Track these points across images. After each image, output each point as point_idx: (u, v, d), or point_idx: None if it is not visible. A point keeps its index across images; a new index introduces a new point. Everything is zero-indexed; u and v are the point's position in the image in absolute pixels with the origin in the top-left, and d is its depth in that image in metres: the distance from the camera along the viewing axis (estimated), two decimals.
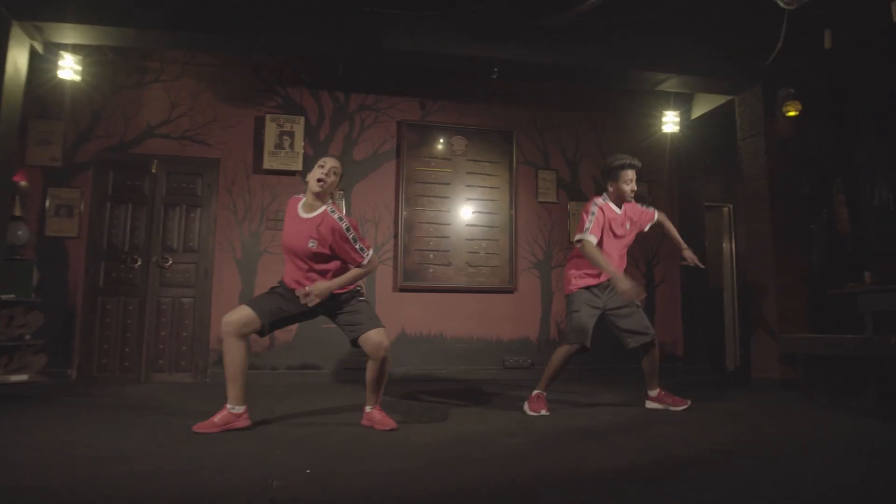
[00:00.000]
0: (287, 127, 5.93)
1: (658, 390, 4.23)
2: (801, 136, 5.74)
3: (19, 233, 5.32)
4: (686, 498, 2.05)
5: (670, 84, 5.81)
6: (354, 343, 3.32)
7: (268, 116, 5.92)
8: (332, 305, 3.36)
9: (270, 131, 5.89)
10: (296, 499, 1.94)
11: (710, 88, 6.07)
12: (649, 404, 4.21)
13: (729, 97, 6.11)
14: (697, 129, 6.83)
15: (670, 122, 6.72)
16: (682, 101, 6.73)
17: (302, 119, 5.97)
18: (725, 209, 7.45)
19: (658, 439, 3.12)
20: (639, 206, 4.34)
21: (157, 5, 4.85)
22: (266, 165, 5.86)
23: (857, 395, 4.46)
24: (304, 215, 3.36)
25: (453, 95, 6.41)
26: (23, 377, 5.20)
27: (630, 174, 4.06)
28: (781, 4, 4.13)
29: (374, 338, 3.22)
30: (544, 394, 4.10)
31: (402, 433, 3.18)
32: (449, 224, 6.24)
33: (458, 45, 5.17)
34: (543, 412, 3.93)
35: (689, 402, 4.09)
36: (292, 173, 5.93)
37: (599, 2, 4.48)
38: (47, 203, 5.56)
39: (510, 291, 6.32)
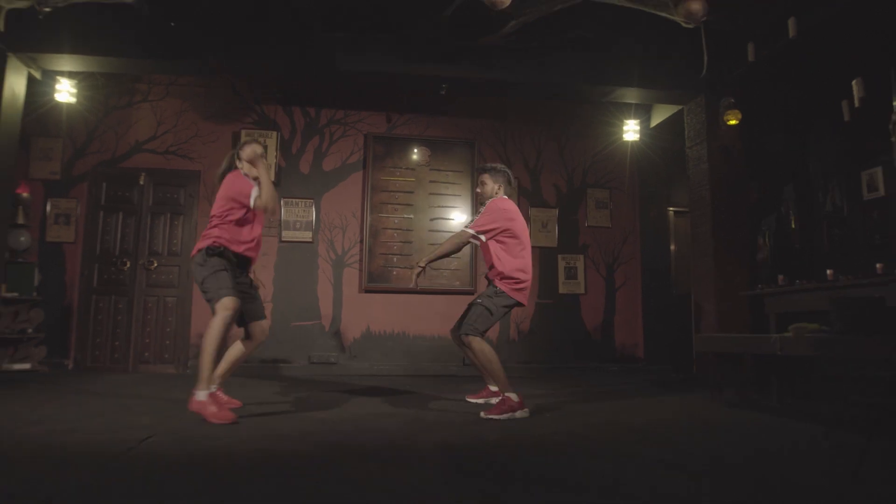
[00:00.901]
0: (261, 141, 6.45)
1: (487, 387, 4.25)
2: (749, 144, 5.96)
3: (22, 238, 6.02)
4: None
5: (619, 95, 6.11)
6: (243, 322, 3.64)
7: (243, 132, 6.47)
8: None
9: None
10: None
11: (657, 99, 6.35)
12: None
13: (679, 107, 6.36)
14: (658, 137, 7.08)
15: (631, 130, 7.00)
16: (642, 111, 6.99)
17: (275, 133, 6.51)
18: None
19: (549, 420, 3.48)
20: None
21: (134, 37, 5.44)
22: None
23: (766, 393, 4.70)
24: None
25: (419, 109, 6.84)
26: (25, 366, 5.89)
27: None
28: (682, 23, 4.41)
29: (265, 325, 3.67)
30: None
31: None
32: (412, 230, 6.68)
33: (405, 65, 5.61)
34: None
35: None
36: None
37: (520, 25, 4.82)
38: (48, 212, 6.23)
39: (471, 293, 6.69)
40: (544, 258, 6.93)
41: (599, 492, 2.03)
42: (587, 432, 3.16)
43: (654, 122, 7.02)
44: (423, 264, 4.11)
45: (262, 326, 3.76)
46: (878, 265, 4.19)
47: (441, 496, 1.95)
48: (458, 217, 6.78)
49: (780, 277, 4.89)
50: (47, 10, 4.35)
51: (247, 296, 3.66)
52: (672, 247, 7.44)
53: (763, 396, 4.61)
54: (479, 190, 4.31)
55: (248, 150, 3.77)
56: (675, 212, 7.49)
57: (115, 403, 3.89)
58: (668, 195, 7.37)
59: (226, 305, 3.35)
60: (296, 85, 6.53)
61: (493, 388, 4.12)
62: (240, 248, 3.63)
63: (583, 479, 2.21)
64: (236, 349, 3.72)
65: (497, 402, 3.67)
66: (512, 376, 4.81)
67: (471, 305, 4.02)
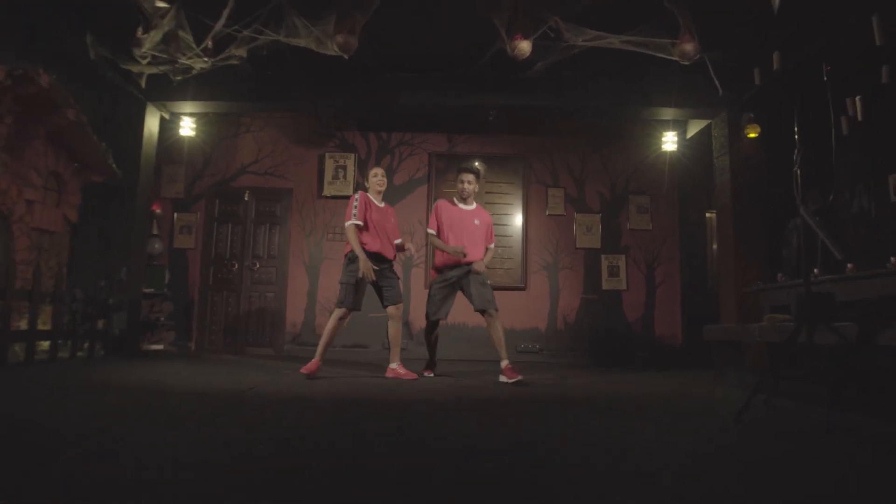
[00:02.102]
0: (341, 162, 7.70)
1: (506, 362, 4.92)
2: (772, 153, 6.57)
3: (156, 246, 7.49)
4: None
5: (651, 113, 6.91)
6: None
7: (327, 154, 7.72)
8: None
9: (329, 166, 7.69)
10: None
11: (687, 115, 7.07)
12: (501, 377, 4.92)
13: (708, 121, 7.04)
14: (694, 147, 7.75)
15: (669, 141, 7.72)
16: (679, 124, 7.69)
17: (353, 155, 7.72)
18: None
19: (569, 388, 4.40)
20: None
21: (241, 85, 6.77)
22: (325, 192, 7.65)
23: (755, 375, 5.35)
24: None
25: (475, 130, 7.86)
26: (160, 346, 7.33)
27: (464, 175, 5.16)
28: (680, 61, 5.20)
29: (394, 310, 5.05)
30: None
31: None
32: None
33: (457, 97, 6.66)
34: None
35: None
36: (346, 197, 7.66)
37: (547, 66, 5.73)
38: (174, 224, 7.70)
39: (522, 289, 7.63)
40: (588, 258, 7.75)
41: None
42: (593, 398, 4.05)
43: (690, 133, 7.69)
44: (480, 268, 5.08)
45: (393, 310, 4.97)
46: (892, 259, 4.59)
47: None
48: (511, 223, 7.73)
49: (779, 275, 5.52)
50: (179, 78, 5.65)
51: (385, 285, 4.98)
52: (714, 246, 8.05)
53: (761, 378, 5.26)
54: (464, 187, 5.12)
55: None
56: (715, 215, 8.10)
57: (231, 370, 5.12)
58: (707, 200, 7.99)
59: (337, 315, 4.89)
60: (370, 114, 7.71)
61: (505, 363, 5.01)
62: (372, 248, 4.91)
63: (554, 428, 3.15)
64: (391, 329, 5.06)
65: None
66: (558, 362, 5.67)
67: (484, 285, 5.00)
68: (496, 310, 5.00)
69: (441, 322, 5.12)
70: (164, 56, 5.19)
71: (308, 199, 7.77)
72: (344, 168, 7.72)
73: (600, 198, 7.91)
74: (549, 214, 7.82)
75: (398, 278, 5.18)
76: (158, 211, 7.61)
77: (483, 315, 5.02)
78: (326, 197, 7.72)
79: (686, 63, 5.28)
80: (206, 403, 3.16)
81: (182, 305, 7.58)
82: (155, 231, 7.52)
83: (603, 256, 7.78)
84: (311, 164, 7.82)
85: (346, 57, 5.28)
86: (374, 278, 4.84)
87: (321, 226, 7.71)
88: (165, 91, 6.66)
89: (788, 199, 7.18)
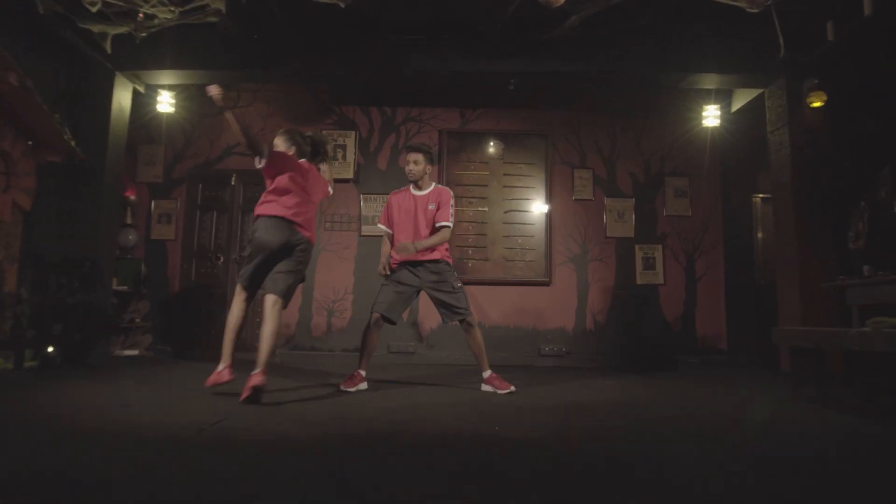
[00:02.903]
0: (340, 141, 6.79)
1: (489, 372, 4.27)
2: (838, 127, 5.65)
3: (130, 237, 6.60)
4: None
5: (693, 81, 5.97)
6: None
7: (324, 132, 6.80)
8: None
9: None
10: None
11: (735, 83, 6.14)
12: (483, 387, 4.26)
13: (760, 90, 6.11)
14: (740, 122, 6.82)
15: (711, 115, 6.80)
16: (722, 95, 6.76)
17: (353, 133, 6.80)
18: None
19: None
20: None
21: (224, 51, 5.85)
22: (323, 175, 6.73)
23: (851, 389, 4.46)
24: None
25: (491, 103, 6.94)
26: (134, 352, 6.47)
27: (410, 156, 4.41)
28: (747, 9, 4.28)
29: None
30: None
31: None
32: (486, 222, 6.79)
33: (474, 62, 5.74)
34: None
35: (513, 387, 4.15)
36: (346, 181, 6.77)
37: (581, 19, 4.83)
38: (152, 212, 6.80)
39: (545, 284, 6.73)
40: (621, 248, 6.85)
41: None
42: (647, 425, 3.16)
43: (736, 106, 6.77)
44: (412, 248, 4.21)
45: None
46: None
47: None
48: (532, 210, 6.83)
49: (866, 268, 4.61)
50: (143, 34, 4.76)
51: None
52: (759, 234, 7.13)
53: (848, 394, 4.38)
54: (410, 168, 4.38)
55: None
56: (761, 198, 7.18)
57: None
58: (753, 181, 7.07)
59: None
60: (373, 86, 6.80)
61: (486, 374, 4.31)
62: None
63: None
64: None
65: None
66: (587, 367, 4.79)
67: (447, 292, 4.23)
68: (470, 314, 4.26)
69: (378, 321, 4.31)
70: (120, 2, 4.28)
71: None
72: (343, 148, 6.82)
73: (633, 180, 6.99)
74: (575, 199, 6.91)
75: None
76: (133, 197, 6.71)
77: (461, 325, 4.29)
78: None
79: (754, 10, 4.35)
80: (142, 449, 2.26)
81: (160, 304, 6.70)
82: (129, 220, 6.63)
83: (637, 246, 6.87)
84: None
85: (342, 5, 4.38)
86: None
87: (318, 212, 6.79)
88: (138, 59, 5.78)
89: (854, 179, 6.30)
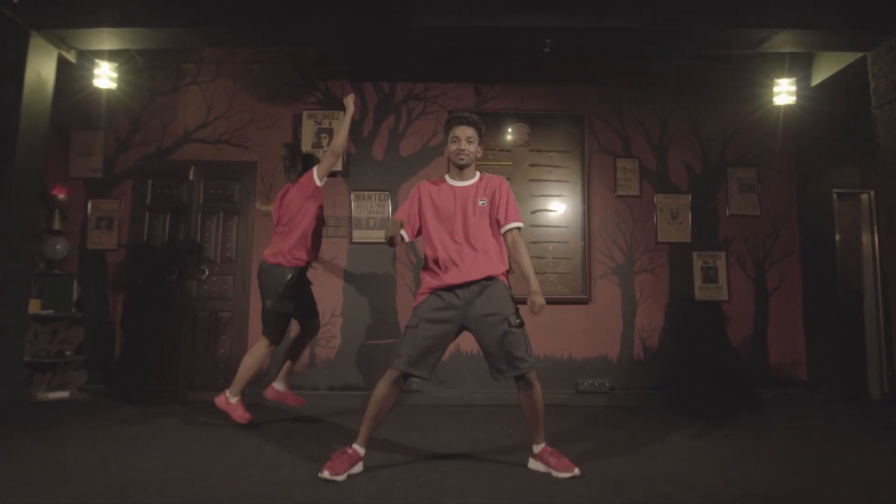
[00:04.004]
0: (325, 124, 5.42)
1: (543, 445, 3.09)
2: None
3: (58, 247, 5.21)
4: None
5: (775, 43, 4.64)
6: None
7: (305, 113, 5.43)
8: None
9: (307, 130, 5.41)
10: None
11: (830, 44, 4.81)
12: (532, 464, 3.11)
13: (859, 54, 4.80)
14: (821, 99, 5.50)
15: (784, 91, 5.48)
16: (799, 65, 5.45)
17: (341, 114, 5.41)
18: (865, 196, 5.99)
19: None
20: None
21: (180, 9, 4.49)
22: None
23: None
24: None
25: (513, 77, 5.59)
26: (63, 394, 5.09)
27: (460, 130, 3.13)
28: None
29: None
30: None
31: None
32: None
33: (498, 15, 4.38)
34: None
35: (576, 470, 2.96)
36: (332, 174, 5.40)
37: None
38: (89, 215, 5.41)
39: (583, 302, 5.39)
40: (676, 256, 5.51)
41: None
42: None
43: (817, 78, 5.45)
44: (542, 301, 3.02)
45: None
46: None
47: None
48: (566, 209, 5.48)
49: None
50: None
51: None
52: (836, 236, 5.83)
53: None
54: (461, 148, 3.11)
55: None
56: (837, 194, 5.88)
57: (148, 450, 2.87)
58: (837, 171, 5.77)
59: None
60: (366, 56, 5.43)
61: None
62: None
63: None
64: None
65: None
66: (638, 407, 3.61)
67: (505, 332, 2.96)
68: (532, 367, 2.99)
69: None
70: None
71: (279, 176, 5.42)
72: (330, 132, 5.44)
73: (689, 171, 5.66)
74: (618, 195, 5.57)
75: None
76: (63, 196, 5.30)
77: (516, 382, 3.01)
78: None
79: None
80: None
81: (99, 331, 5.30)
82: (57, 225, 5.23)
83: (695, 254, 5.53)
84: (283, 128, 5.53)
85: None
86: None
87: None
88: (61, 13, 4.43)
89: None
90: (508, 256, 3.17)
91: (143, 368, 5.28)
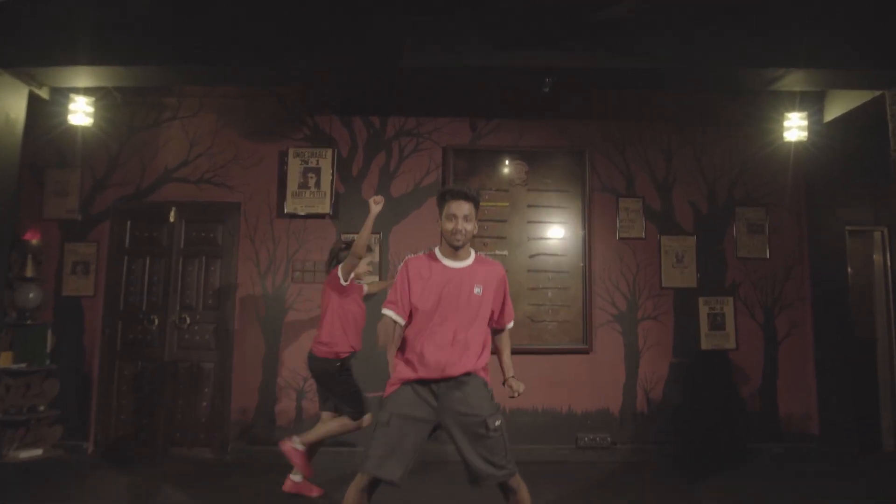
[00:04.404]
0: (312, 162, 5.13)
1: None
2: None
3: (31, 295, 4.94)
4: None
5: (789, 81, 4.37)
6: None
7: (291, 151, 5.15)
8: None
9: (293, 168, 5.13)
10: None
11: (846, 83, 4.55)
12: None
13: (876, 92, 4.53)
14: (833, 136, 5.23)
15: (795, 127, 5.19)
16: (811, 101, 5.17)
17: (329, 152, 5.14)
18: (877, 234, 5.73)
19: None
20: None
21: (158, 44, 4.19)
22: (288, 209, 5.10)
23: None
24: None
25: (510, 111, 5.32)
26: (37, 452, 4.85)
27: (456, 206, 2.77)
28: None
29: None
30: None
31: None
32: (507, 270, 5.15)
33: (494, 53, 4.09)
34: None
35: None
36: (320, 216, 5.13)
37: None
38: (64, 259, 5.13)
39: (584, 352, 5.13)
40: (681, 302, 5.25)
41: None
42: None
43: (830, 114, 5.17)
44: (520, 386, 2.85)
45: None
46: None
47: None
48: (565, 253, 5.21)
49: None
50: None
51: None
52: (849, 279, 5.56)
53: None
54: (457, 227, 2.74)
55: None
56: (850, 231, 5.62)
57: None
58: (851, 209, 5.50)
59: None
60: (355, 89, 5.16)
61: None
62: None
63: None
64: None
65: None
66: (642, 463, 3.34)
67: (482, 435, 2.64)
68: (513, 473, 2.66)
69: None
70: None
71: (264, 218, 5.20)
72: (317, 171, 5.15)
73: (694, 211, 5.39)
74: (621, 238, 5.30)
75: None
76: (36, 241, 5.04)
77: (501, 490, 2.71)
78: (290, 215, 5.16)
79: None
80: None
81: (75, 383, 5.03)
82: (29, 273, 4.95)
83: (701, 300, 5.26)
84: (267, 166, 5.25)
85: None
86: None
87: (283, 259, 5.16)
88: (32, 52, 4.16)
89: None
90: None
91: (120, 422, 5.02)
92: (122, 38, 4.07)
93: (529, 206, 5.25)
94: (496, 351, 2.92)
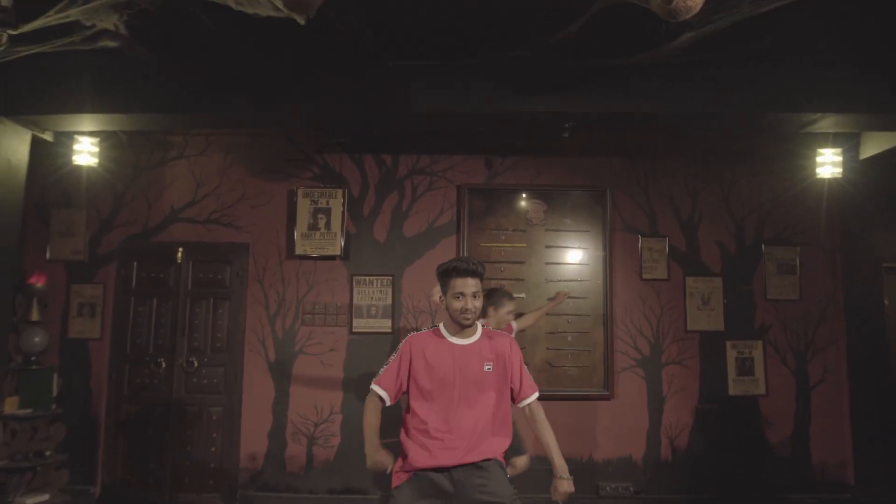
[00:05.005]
0: (322, 203, 4.97)
1: None
2: None
3: (36, 339, 4.81)
4: None
5: (823, 125, 4.12)
6: None
7: (300, 191, 5.00)
8: None
9: (303, 208, 4.97)
10: None
11: (880, 125, 4.28)
12: None
13: None
14: (868, 172, 4.95)
15: (828, 163, 4.92)
16: (845, 137, 4.90)
17: (340, 192, 4.98)
18: None
19: None
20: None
21: (161, 88, 4.05)
22: (298, 250, 4.94)
23: None
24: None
25: (527, 149, 5.11)
26: (44, 497, 4.71)
27: (463, 283, 2.62)
28: None
29: None
30: None
31: None
32: (524, 312, 4.96)
33: (509, 98, 3.89)
34: None
35: None
36: (331, 258, 4.97)
37: (698, 38, 3.02)
38: (70, 301, 5.03)
39: (606, 398, 4.92)
40: (708, 346, 5.01)
41: None
42: None
43: (866, 152, 4.90)
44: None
45: None
46: None
47: None
48: (586, 295, 5.00)
49: None
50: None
51: None
52: (885, 319, 5.29)
53: None
54: (465, 306, 2.59)
55: None
56: (886, 268, 5.34)
57: None
58: (883, 247, 5.23)
59: None
60: (366, 128, 4.99)
61: None
62: None
63: None
64: None
65: None
66: None
67: None
68: None
69: None
70: None
71: (273, 259, 5.05)
72: (327, 212, 4.99)
73: (722, 251, 5.15)
74: (644, 279, 5.07)
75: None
76: (41, 284, 4.93)
77: None
78: (300, 257, 5.01)
79: None
80: None
81: (82, 427, 4.92)
82: (35, 317, 4.83)
83: (729, 343, 5.02)
84: (276, 206, 5.10)
85: (300, 21, 2.59)
86: None
87: (293, 301, 5.01)
88: (34, 100, 4.04)
89: None
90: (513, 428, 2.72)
91: (127, 467, 4.91)
92: (123, 86, 3.93)
93: (547, 246, 5.04)
94: (535, 433, 2.73)
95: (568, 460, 4.83)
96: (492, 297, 3.89)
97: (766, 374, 5.01)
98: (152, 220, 5.10)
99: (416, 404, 2.62)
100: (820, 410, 5.01)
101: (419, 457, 2.57)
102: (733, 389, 4.99)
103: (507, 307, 3.91)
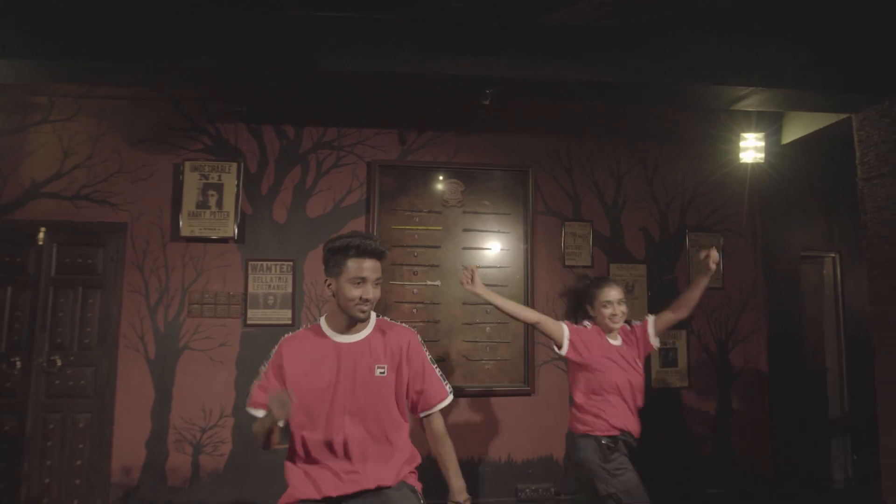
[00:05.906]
0: (213, 178, 4.39)
1: None
2: None
3: None
4: None
5: (752, 102, 3.94)
6: None
7: (188, 164, 4.39)
8: None
9: (191, 184, 4.36)
10: None
11: (811, 105, 4.14)
12: None
13: (843, 115, 4.17)
14: (791, 157, 4.89)
15: (751, 147, 4.80)
16: (770, 120, 4.81)
17: (234, 166, 4.41)
18: (828, 260, 5.45)
19: None
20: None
21: (26, 31, 3.36)
22: (185, 231, 4.33)
23: None
24: None
25: (445, 124, 4.72)
26: None
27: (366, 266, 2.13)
28: None
29: None
30: None
31: None
32: (439, 303, 4.56)
33: (425, 59, 3.47)
34: None
35: None
36: (223, 241, 4.39)
37: None
38: None
39: (525, 393, 4.59)
40: None
41: None
42: None
43: (788, 136, 4.83)
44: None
45: None
46: None
47: None
48: (505, 283, 4.65)
49: None
50: None
51: None
52: (803, 307, 5.26)
53: None
54: (368, 297, 2.17)
55: None
56: (804, 256, 5.31)
57: None
58: (805, 236, 5.19)
59: None
60: (266, 94, 4.44)
61: None
62: None
63: None
64: None
65: None
66: None
67: None
68: None
69: None
70: None
71: (155, 241, 4.41)
72: (219, 188, 4.41)
73: (645, 237, 4.94)
74: (568, 266, 4.79)
75: None
76: None
77: None
78: (187, 239, 4.39)
79: None
80: None
81: None
82: None
83: None
84: (160, 181, 4.46)
85: None
86: None
87: (178, 289, 4.39)
88: None
89: None
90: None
91: None
92: None
93: (465, 230, 4.66)
94: (431, 448, 2.25)
95: (484, 463, 4.52)
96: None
97: (689, 365, 4.83)
98: (7, 194, 4.33)
99: (296, 422, 2.10)
100: (741, 401, 4.89)
101: (302, 487, 2.08)
102: (656, 382, 4.78)
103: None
